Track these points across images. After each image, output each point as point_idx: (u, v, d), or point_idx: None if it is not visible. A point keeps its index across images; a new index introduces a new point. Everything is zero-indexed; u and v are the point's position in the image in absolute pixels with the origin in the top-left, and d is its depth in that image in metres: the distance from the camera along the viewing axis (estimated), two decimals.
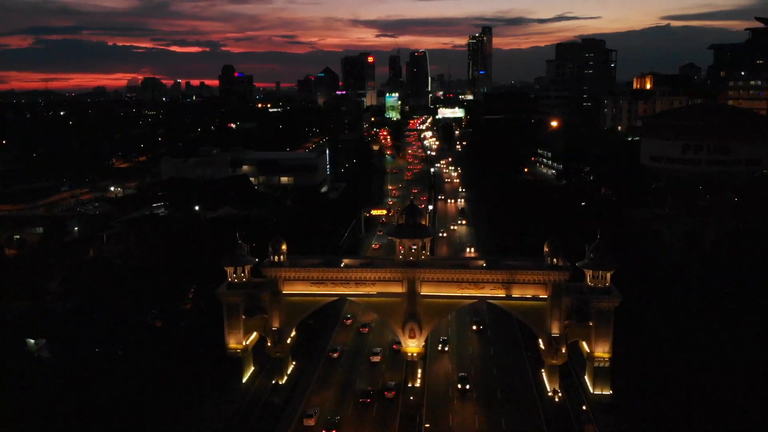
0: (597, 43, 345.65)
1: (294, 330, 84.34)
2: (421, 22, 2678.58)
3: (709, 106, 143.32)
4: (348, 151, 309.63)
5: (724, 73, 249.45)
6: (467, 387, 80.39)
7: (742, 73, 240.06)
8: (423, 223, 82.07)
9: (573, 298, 78.36)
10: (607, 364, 78.32)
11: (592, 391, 78.49)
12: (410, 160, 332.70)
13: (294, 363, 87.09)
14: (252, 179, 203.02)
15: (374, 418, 74.63)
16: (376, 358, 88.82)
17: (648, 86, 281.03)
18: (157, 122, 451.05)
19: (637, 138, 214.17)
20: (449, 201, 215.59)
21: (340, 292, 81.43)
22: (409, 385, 79.93)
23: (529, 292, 78.50)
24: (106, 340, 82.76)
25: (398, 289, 79.89)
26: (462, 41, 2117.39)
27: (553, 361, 79.19)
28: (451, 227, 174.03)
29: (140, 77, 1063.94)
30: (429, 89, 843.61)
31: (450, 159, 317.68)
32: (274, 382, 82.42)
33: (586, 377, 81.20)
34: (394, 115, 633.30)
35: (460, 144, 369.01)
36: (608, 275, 78.09)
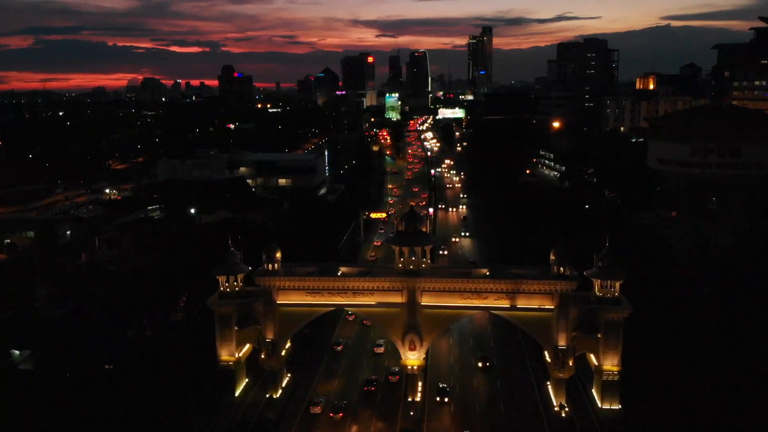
0: (599, 43, 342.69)
1: (289, 341, 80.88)
2: (421, 22, 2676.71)
3: (718, 107, 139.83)
4: (347, 152, 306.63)
5: (728, 74, 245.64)
6: None
7: (747, 74, 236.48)
8: (423, 229, 78.51)
9: (581, 309, 74.95)
10: (616, 378, 74.93)
11: (600, 405, 75.13)
12: (410, 160, 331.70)
13: (289, 375, 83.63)
14: (249, 181, 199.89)
15: (378, 406, 77.13)
16: (380, 350, 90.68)
17: (651, 86, 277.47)
18: (155, 123, 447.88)
19: (641, 139, 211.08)
20: (450, 209, 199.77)
21: (336, 302, 78.02)
22: (409, 399, 76.53)
23: (534, 303, 75.05)
24: (92, 352, 79.27)
25: (398, 299, 76.48)
26: (462, 41, 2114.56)
27: (560, 375, 75.72)
28: (453, 239, 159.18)
29: (140, 77, 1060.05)
30: (429, 89, 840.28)
31: (451, 162, 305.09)
32: (268, 395, 78.98)
33: (593, 391, 77.85)
34: (394, 116, 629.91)
35: (461, 145, 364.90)
36: (617, 285, 74.68)
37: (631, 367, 76.38)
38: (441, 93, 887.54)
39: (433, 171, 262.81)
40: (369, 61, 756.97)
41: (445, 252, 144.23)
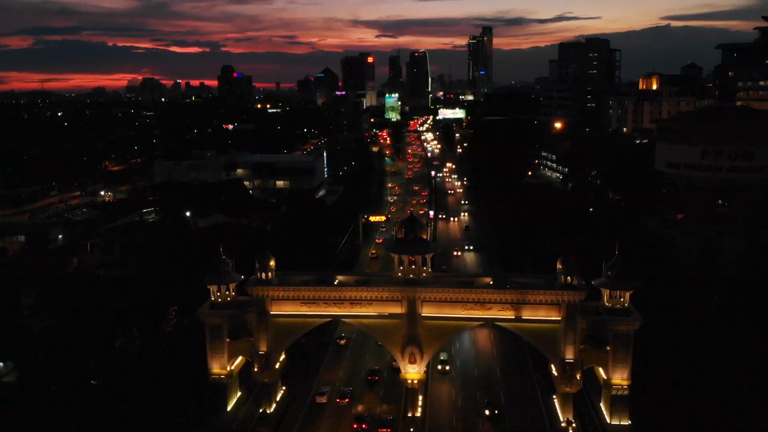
0: (601, 43, 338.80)
1: (284, 353, 77.44)
2: (421, 22, 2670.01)
3: (729, 108, 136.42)
4: (347, 152, 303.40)
5: (733, 74, 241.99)
6: None
7: (752, 74, 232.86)
8: (423, 236, 75.03)
9: (589, 320, 71.49)
10: (625, 392, 71.53)
11: (609, 421, 71.71)
12: (410, 160, 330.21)
13: (284, 389, 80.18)
14: (247, 183, 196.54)
15: (382, 393, 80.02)
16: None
17: (654, 87, 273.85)
18: (153, 123, 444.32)
19: (645, 141, 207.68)
20: (452, 219, 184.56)
21: (333, 312, 74.56)
22: (409, 415, 73.04)
23: (540, 314, 71.59)
24: (78, 365, 75.86)
25: (397, 309, 73.03)
26: (462, 41, 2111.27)
27: (567, 389, 72.28)
28: (455, 253, 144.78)
29: (140, 78, 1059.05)
30: (429, 90, 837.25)
31: (453, 165, 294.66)
32: (261, 410, 75.54)
33: (602, 405, 74.41)
34: (393, 116, 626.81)
35: (461, 147, 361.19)
36: (627, 295, 71.26)
37: (641, 381, 73.16)
38: (441, 93, 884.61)
39: (433, 173, 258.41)
40: (369, 61, 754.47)
41: (446, 270, 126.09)
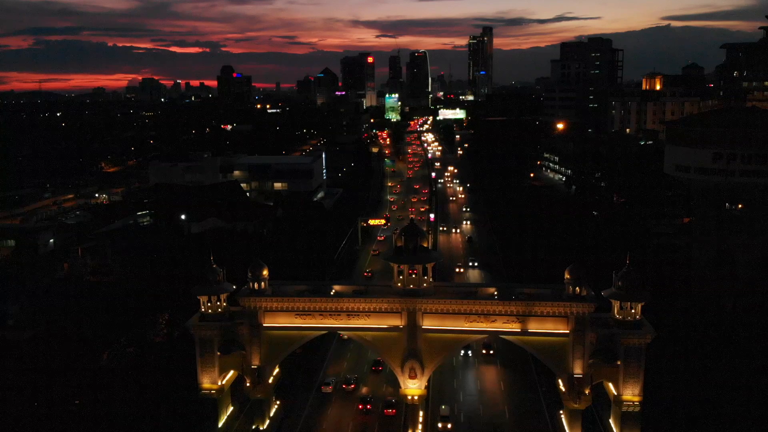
0: (603, 43, 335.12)
1: (277, 367, 73.74)
2: (421, 22, 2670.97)
3: (741, 109, 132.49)
4: (346, 153, 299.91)
5: (738, 73, 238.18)
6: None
7: (758, 74, 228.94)
8: (424, 245, 71.28)
9: (598, 334, 67.69)
10: (637, 409, 67.69)
11: None
12: (410, 159, 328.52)
13: (278, 403, 76.49)
14: (243, 185, 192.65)
15: (386, 381, 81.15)
16: None
17: (658, 87, 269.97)
18: (151, 124, 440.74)
19: (650, 142, 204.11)
20: (454, 231, 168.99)
21: (329, 324, 70.82)
22: None
23: (548, 327, 67.81)
24: (61, 382, 72.20)
25: (396, 321, 69.30)
26: (462, 42, 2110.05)
27: (575, 405, 68.55)
28: (457, 270, 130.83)
29: (140, 78, 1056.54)
30: (429, 90, 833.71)
31: (455, 170, 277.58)
32: (254, 426, 71.92)
33: (611, 422, 70.66)
34: (393, 116, 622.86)
35: (462, 148, 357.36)
36: (639, 307, 67.48)
37: (652, 395, 69.59)
38: (441, 93, 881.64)
39: (434, 174, 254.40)
40: (369, 61, 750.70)
41: None
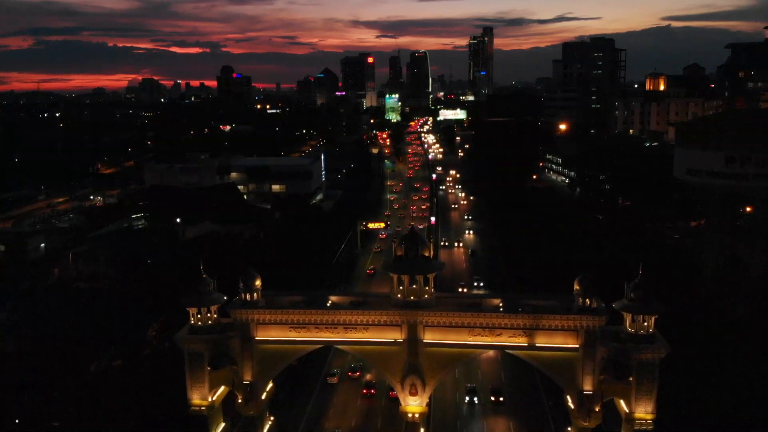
0: (606, 43, 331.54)
1: (271, 382, 70.12)
2: (421, 23, 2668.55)
3: (755, 111, 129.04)
4: (346, 154, 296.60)
5: (743, 73, 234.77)
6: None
7: (764, 74, 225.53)
8: (425, 254, 67.65)
9: (609, 348, 63.98)
10: (650, 428, 63.92)
11: None
12: (410, 159, 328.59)
13: (272, 419, 72.90)
14: (241, 187, 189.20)
15: None
16: None
17: (662, 87, 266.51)
18: (149, 125, 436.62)
19: (656, 144, 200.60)
20: (456, 245, 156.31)
21: (325, 338, 67.14)
22: None
23: (556, 341, 64.15)
24: (44, 397, 68.67)
25: (396, 335, 65.64)
26: (462, 42, 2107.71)
27: (585, 424, 64.81)
28: (460, 290, 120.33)
29: (140, 78, 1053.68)
30: (430, 90, 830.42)
31: (457, 175, 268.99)
32: None
33: None
34: (394, 117, 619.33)
35: (462, 150, 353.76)
36: (652, 320, 63.80)
37: (665, 412, 65.93)
38: (441, 94, 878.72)
39: (434, 176, 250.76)
40: (369, 61, 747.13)
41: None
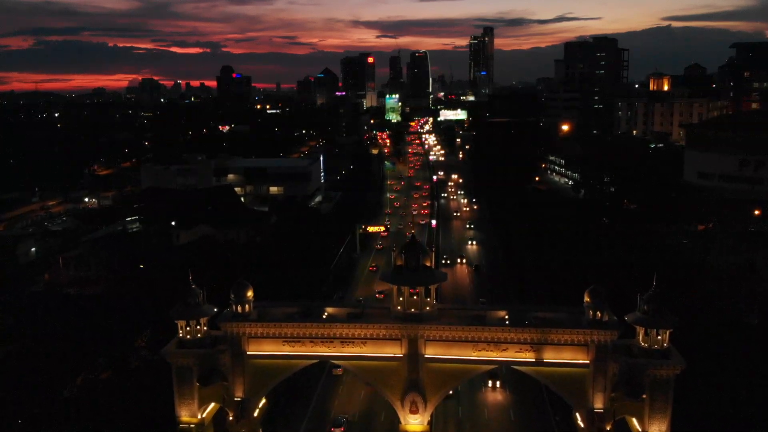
0: (608, 42, 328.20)
1: (264, 398, 66.54)
2: (421, 23, 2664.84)
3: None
4: (345, 155, 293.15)
5: (749, 73, 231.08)
6: None
7: None
8: (427, 263, 64.05)
9: (621, 363, 60.42)
10: None
11: None
12: (411, 159, 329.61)
13: None
14: (238, 189, 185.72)
15: None
16: None
17: (666, 88, 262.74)
18: (149, 125, 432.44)
19: (660, 145, 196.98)
20: (459, 262, 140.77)
21: (320, 353, 63.59)
22: None
23: (565, 356, 60.61)
24: (28, 413, 65.14)
25: (396, 350, 62.09)
26: (463, 42, 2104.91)
27: None
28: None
29: (140, 78, 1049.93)
30: (430, 90, 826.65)
31: (460, 180, 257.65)
32: None
33: None
34: (394, 117, 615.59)
35: (463, 150, 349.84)
36: (667, 334, 60.24)
37: (677, 430, 62.39)
38: (442, 94, 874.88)
39: (435, 178, 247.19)
40: (369, 61, 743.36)
41: None
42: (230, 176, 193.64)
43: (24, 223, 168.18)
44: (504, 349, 61.16)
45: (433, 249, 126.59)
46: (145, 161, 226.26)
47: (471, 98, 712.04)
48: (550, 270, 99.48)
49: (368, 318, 63.58)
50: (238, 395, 64.00)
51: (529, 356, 61.02)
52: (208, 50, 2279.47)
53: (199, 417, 64.64)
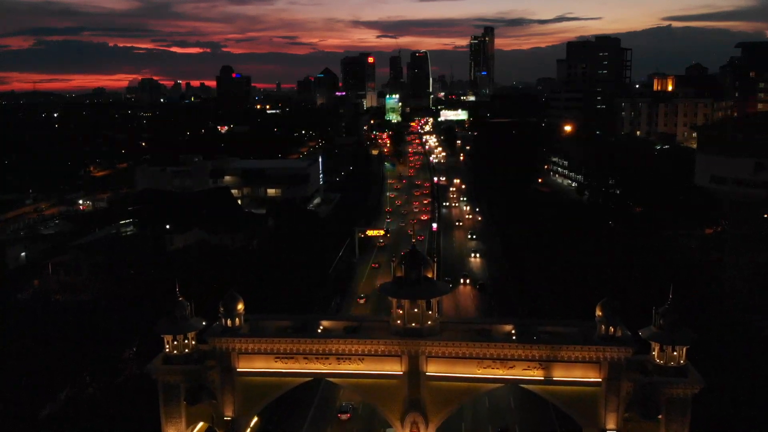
0: (611, 42, 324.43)
1: (256, 417, 62.87)
2: (422, 23, 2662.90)
3: None
4: (345, 156, 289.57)
5: (755, 74, 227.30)
6: None
7: None
8: (429, 275, 60.33)
9: (635, 382, 56.69)
10: None
11: None
12: (411, 159, 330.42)
13: None
14: (235, 191, 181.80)
15: None
16: None
17: (670, 88, 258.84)
18: (147, 125, 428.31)
19: (667, 146, 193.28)
20: (462, 281, 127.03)
21: (315, 369, 59.81)
22: None
23: (576, 374, 56.87)
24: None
25: (396, 367, 58.36)
26: (463, 42, 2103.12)
27: None
28: None
29: (140, 78, 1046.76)
30: (430, 90, 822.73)
31: (462, 185, 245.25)
32: None
33: None
34: (394, 117, 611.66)
35: (464, 151, 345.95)
36: (684, 350, 56.49)
37: None
38: (442, 94, 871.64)
39: (436, 179, 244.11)
40: (369, 61, 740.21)
41: None
42: (227, 178, 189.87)
43: (16, 226, 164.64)
44: (511, 367, 57.46)
45: (435, 259, 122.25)
46: (141, 162, 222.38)
47: (471, 98, 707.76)
48: (558, 281, 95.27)
49: (366, 333, 59.90)
50: (228, 414, 60.28)
51: (537, 374, 57.29)
52: (208, 50, 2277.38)
53: None
